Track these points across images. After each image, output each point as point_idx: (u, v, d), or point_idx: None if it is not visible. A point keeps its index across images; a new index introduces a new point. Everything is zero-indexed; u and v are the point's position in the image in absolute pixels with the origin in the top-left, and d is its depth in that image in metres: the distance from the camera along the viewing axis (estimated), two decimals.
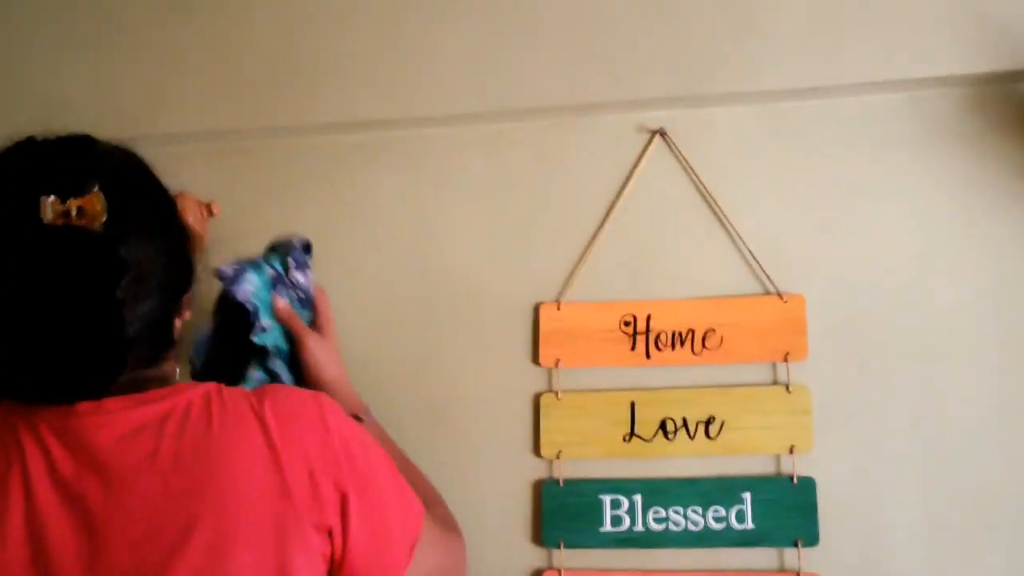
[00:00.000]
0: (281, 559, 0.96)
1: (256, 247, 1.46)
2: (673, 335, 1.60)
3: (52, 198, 0.90)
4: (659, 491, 1.56)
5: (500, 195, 1.65)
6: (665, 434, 1.58)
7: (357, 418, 1.22)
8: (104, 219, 0.92)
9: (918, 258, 1.57)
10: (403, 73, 1.63)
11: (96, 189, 0.92)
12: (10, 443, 0.94)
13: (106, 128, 1.65)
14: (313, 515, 0.99)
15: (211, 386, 1.03)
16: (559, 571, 1.55)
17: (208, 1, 1.67)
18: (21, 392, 0.95)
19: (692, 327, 1.60)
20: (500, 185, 1.65)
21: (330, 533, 1.01)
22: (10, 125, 1.66)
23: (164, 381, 1.02)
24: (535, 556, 1.58)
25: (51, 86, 1.69)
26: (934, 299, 1.56)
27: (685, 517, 1.55)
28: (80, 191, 0.92)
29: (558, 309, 1.62)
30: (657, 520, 1.55)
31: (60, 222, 0.90)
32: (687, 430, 1.57)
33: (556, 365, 1.61)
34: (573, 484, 1.58)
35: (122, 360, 0.94)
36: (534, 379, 1.62)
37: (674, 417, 1.58)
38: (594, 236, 1.63)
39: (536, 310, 1.63)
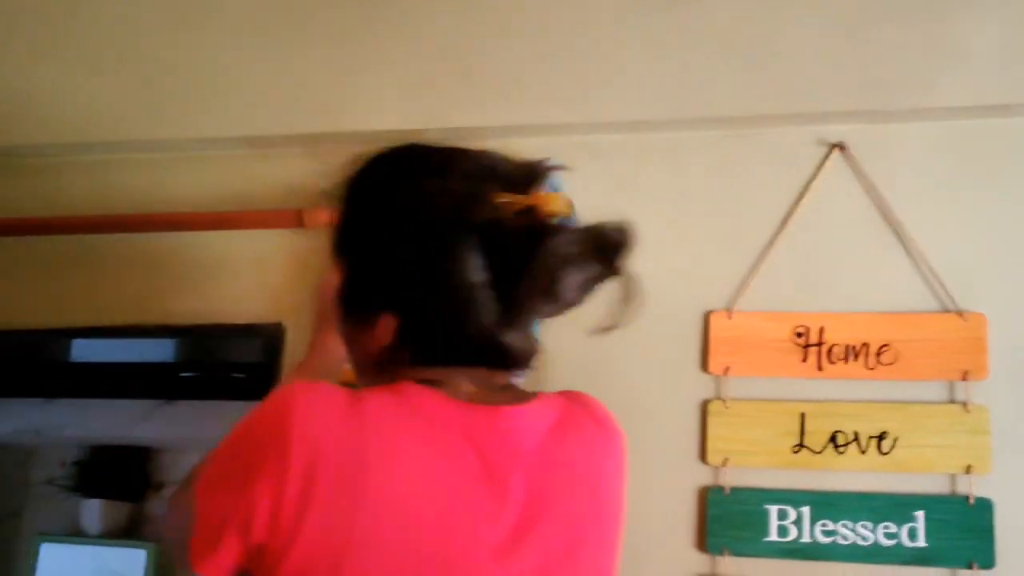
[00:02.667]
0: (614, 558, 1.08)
1: None
2: (847, 348, 1.59)
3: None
4: (828, 504, 1.55)
5: (677, 202, 1.67)
6: (835, 447, 1.57)
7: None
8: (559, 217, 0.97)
9: None
10: (588, 79, 1.66)
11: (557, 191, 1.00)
12: (451, 442, 0.96)
13: (295, 124, 1.73)
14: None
15: (566, 393, 1.11)
16: None
17: (397, 2, 1.72)
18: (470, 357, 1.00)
19: (866, 341, 1.59)
20: (677, 192, 1.67)
21: None
22: (212, 118, 1.76)
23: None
24: (699, 562, 1.58)
25: (246, 82, 1.77)
26: None
27: (854, 531, 1.54)
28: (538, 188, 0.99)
29: (729, 318, 1.63)
30: (825, 533, 1.54)
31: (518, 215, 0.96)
32: (858, 444, 1.56)
33: (725, 373, 1.62)
34: (739, 492, 1.58)
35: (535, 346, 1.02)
36: (702, 386, 1.63)
37: (845, 431, 1.57)
38: (768, 246, 1.63)
39: (707, 318, 1.64)
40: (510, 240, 0.95)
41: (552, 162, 1.02)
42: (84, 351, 2.72)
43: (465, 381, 1.00)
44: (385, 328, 0.98)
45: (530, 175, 0.99)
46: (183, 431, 3.17)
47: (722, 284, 1.64)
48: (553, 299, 0.97)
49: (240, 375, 2.85)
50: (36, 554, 3.36)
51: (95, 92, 1.85)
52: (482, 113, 1.69)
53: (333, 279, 1.18)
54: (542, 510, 0.99)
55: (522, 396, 1.04)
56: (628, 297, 1.01)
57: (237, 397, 2.84)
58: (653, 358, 1.65)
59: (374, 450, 0.90)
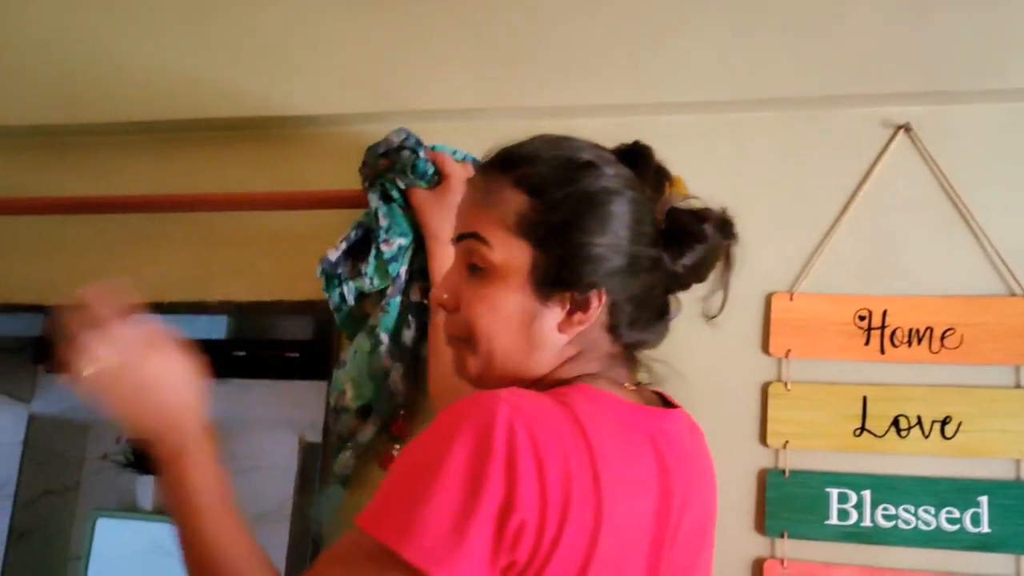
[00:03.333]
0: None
1: None
2: (910, 332, 1.58)
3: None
4: (889, 488, 1.54)
5: (738, 183, 1.66)
6: (898, 431, 1.56)
7: None
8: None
9: None
10: (649, 59, 1.66)
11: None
12: (642, 447, 1.01)
13: (361, 103, 1.74)
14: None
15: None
16: (782, 561, 1.55)
17: None
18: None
19: (931, 325, 1.57)
20: (739, 174, 1.66)
21: None
22: (276, 95, 1.77)
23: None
24: (758, 545, 1.57)
25: (309, 60, 1.78)
26: None
27: (916, 516, 1.53)
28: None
29: (791, 300, 1.62)
30: (886, 517, 1.53)
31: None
32: (921, 428, 1.55)
33: (786, 355, 1.61)
34: (799, 475, 1.57)
35: None
36: (763, 368, 1.62)
37: (908, 414, 1.56)
38: (832, 228, 1.62)
39: (768, 300, 1.63)
40: (670, 228, 1.07)
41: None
42: None
43: (623, 376, 1.07)
44: (598, 302, 1.02)
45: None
46: (234, 411, 3.22)
47: (784, 266, 1.63)
48: (698, 278, 1.10)
49: (293, 354, 2.88)
50: (92, 529, 3.43)
51: (161, 70, 1.86)
52: (544, 92, 1.69)
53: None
54: (685, 509, 1.03)
55: (661, 395, 1.14)
56: (728, 274, 1.13)
57: (289, 376, 2.88)
58: (714, 340, 1.63)
59: (599, 459, 0.91)
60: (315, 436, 3.50)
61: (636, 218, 1.03)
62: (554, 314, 1.03)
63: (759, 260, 1.63)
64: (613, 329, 1.05)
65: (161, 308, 1.92)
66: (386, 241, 1.57)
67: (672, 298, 1.11)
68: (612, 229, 1.02)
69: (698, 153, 1.68)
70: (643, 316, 1.06)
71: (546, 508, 0.86)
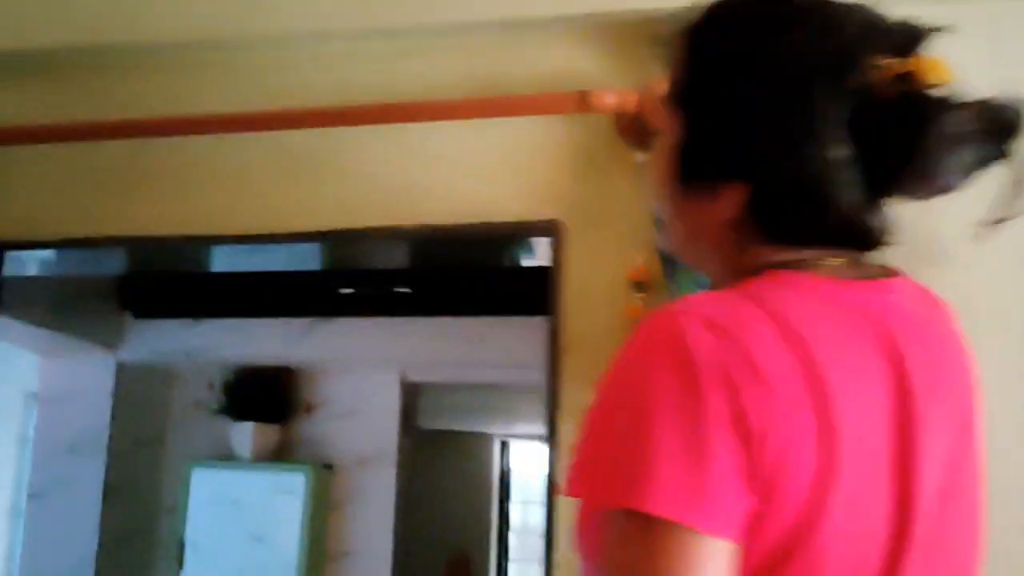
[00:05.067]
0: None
1: None
2: None
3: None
4: None
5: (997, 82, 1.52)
6: None
7: None
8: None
9: None
10: None
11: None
12: (854, 319, 0.87)
13: (562, 3, 1.58)
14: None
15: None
16: None
17: None
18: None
19: None
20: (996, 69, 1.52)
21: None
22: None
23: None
24: None
25: None
26: None
27: None
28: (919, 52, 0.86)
29: None
30: None
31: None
32: None
33: None
34: None
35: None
36: None
37: None
38: None
39: None
40: (886, 111, 0.84)
41: (933, 24, 0.88)
42: (229, 260, 2.55)
43: (830, 261, 0.89)
44: (731, 199, 0.87)
45: (911, 37, 0.87)
46: (333, 351, 3.09)
47: None
48: (929, 182, 0.86)
49: (405, 290, 2.71)
50: (188, 480, 3.28)
51: None
52: None
53: None
54: (932, 395, 0.89)
55: (887, 270, 0.93)
56: (1018, 185, 0.87)
57: (395, 313, 2.72)
58: None
59: (817, 359, 0.79)
60: (419, 375, 3.41)
61: (812, 100, 0.85)
62: (704, 203, 0.90)
63: None
64: (767, 222, 0.89)
65: (252, 239, 1.77)
66: None
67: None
68: (762, 108, 0.86)
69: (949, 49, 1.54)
70: (815, 211, 0.87)
71: (774, 412, 0.76)
